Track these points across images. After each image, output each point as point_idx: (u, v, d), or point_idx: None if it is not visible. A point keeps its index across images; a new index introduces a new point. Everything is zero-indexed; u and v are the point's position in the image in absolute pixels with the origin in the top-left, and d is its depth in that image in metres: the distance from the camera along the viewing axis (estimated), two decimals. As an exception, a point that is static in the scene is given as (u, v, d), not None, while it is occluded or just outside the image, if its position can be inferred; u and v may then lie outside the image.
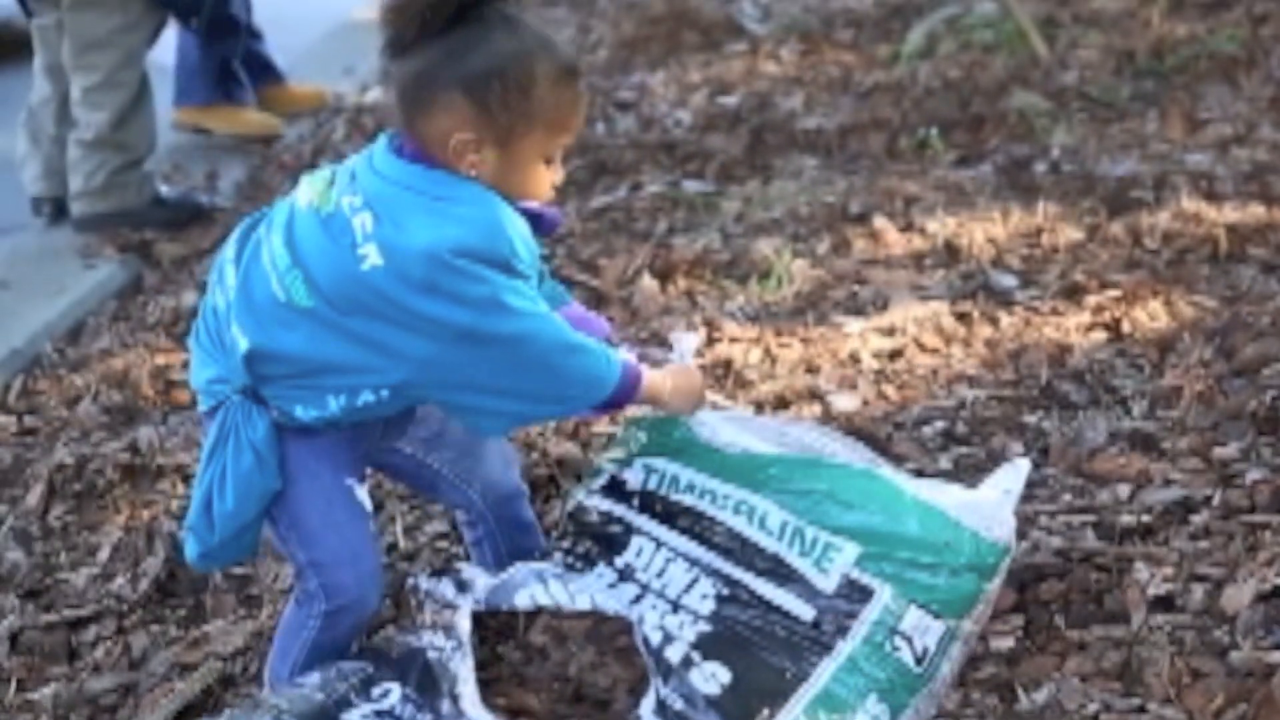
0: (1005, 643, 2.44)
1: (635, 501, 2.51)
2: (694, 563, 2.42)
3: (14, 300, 4.33)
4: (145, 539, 3.00)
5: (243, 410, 2.26)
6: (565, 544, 2.53)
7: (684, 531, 2.45)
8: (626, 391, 2.29)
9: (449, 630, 2.30)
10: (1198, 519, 2.67)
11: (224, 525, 2.29)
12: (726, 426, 2.55)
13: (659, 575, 2.42)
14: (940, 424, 3.07)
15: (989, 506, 2.40)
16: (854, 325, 3.53)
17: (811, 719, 2.22)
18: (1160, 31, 5.38)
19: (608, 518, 2.52)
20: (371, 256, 2.14)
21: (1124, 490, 2.79)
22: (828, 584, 2.33)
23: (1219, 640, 2.38)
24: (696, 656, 2.29)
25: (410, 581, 2.37)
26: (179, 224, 4.73)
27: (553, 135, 2.22)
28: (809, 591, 2.33)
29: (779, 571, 2.36)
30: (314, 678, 2.29)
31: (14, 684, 2.68)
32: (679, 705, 2.24)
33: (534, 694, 2.41)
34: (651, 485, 2.51)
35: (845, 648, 2.28)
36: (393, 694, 2.27)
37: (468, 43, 2.17)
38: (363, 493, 2.37)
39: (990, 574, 2.37)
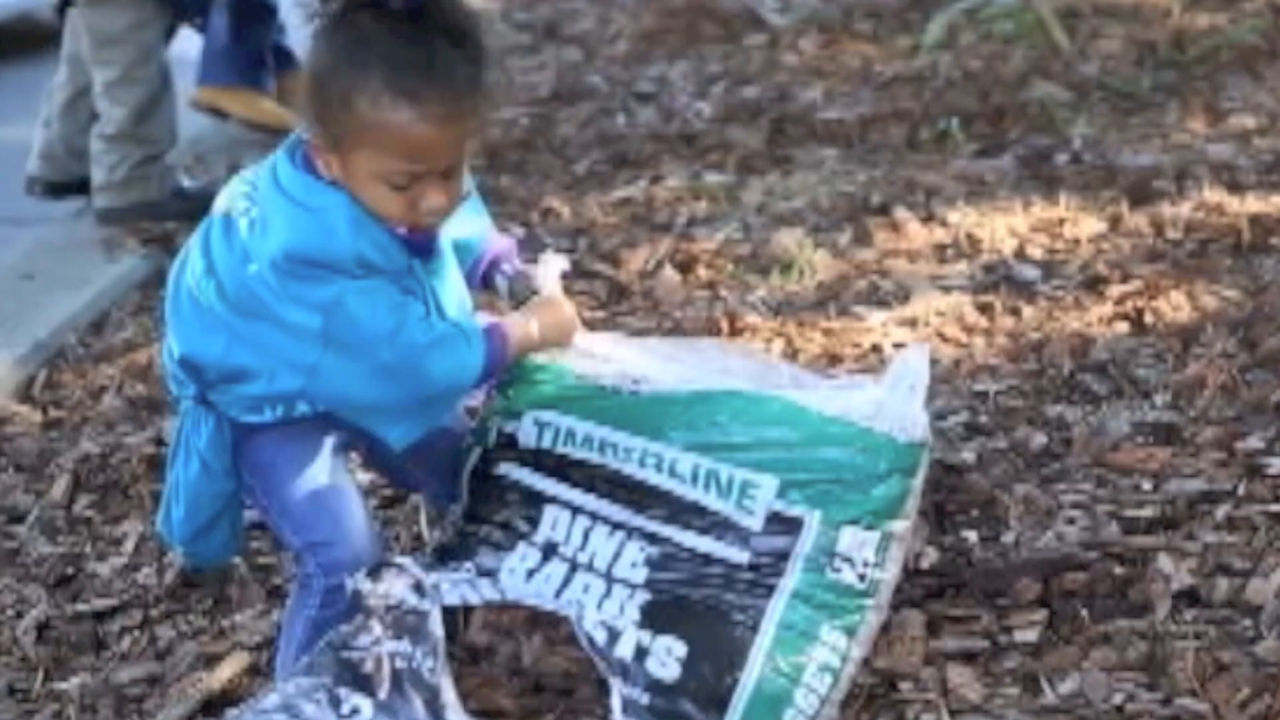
0: (1029, 634, 2.44)
1: (535, 464, 2.40)
2: (614, 526, 2.34)
3: (38, 292, 4.34)
4: (170, 530, 3.01)
5: (192, 417, 2.30)
6: (479, 527, 2.43)
7: (595, 492, 2.36)
8: (497, 358, 2.27)
9: (416, 636, 2.23)
10: (1221, 511, 2.67)
11: (180, 530, 2.34)
12: (617, 350, 2.46)
13: (583, 547, 2.35)
14: (963, 415, 3.07)
15: (897, 408, 2.30)
16: (876, 317, 3.53)
17: (773, 667, 2.20)
18: (1181, 22, 5.37)
19: (513, 488, 2.41)
20: (251, 262, 2.16)
21: (1147, 482, 2.79)
22: (754, 523, 2.27)
23: (1243, 632, 2.38)
24: (646, 639, 2.24)
25: (352, 585, 2.27)
26: (201, 216, 4.71)
27: (383, 157, 2.11)
28: (738, 534, 2.27)
29: (703, 520, 2.29)
30: (271, 699, 2.22)
31: (41, 674, 2.69)
32: (645, 699, 2.21)
33: (500, 693, 2.39)
34: (546, 443, 2.40)
35: (788, 584, 2.24)
36: (364, 710, 2.19)
37: (331, 42, 2.14)
38: (347, 470, 2.38)
39: (913, 472, 2.30)
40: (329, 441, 2.33)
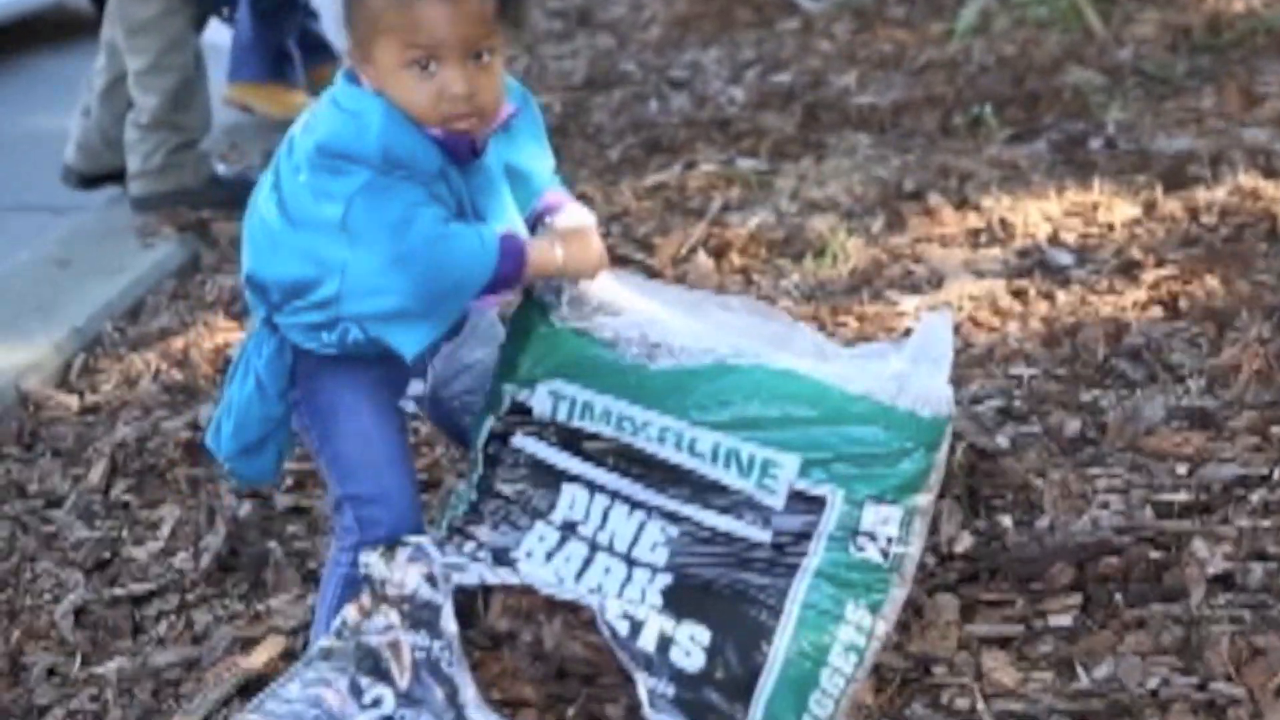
0: (1064, 619, 2.45)
1: (551, 437, 2.36)
2: (634, 504, 2.31)
3: (74, 279, 4.37)
4: (206, 515, 3.03)
5: (256, 338, 2.33)
6: (493, 502, 2.40)
7: (613, 469, 2.32)
8: (513, 263, 2.24)
9: (430, 629, 2.21)
10: (1256, 496, 2.66)
11: (227, 445, 2.36)
12: (639, 299, 2.41)
13: (602, 526, 2.32)
14: (997, 401, 3.07)
15: (920, 383, 2.24)
16: (909, 302, 3.53)
17: (797, 650, 2.18)
18: (1216, 6, 5.35)
19: (529, 461, 2.38)
20: (300, 171, 2.23)
21: (1182, 467, 2.78)
22: (776, 501, 2.23)
23: (1279, 617, 2.37)
24: (669, 627, 2.22)
25: (363, 568, 2.26)
26: (236, 203, 4.71)
27: (400, 38, 2.16)
28: (759, 514, 2.23)
29: (724, 499, 2.26)
30: (293, 686, 2.21)
31: (79, 658, 2.71)
32: (670, 692, 2.19)
33: (524, 682, 2.39)
34: (562, 415, 2.35)
35: (811, 563, 2.21)
36: (386, 700, 2.20)
37: None
38: (402, 430, 2.39)
39: (937, 445, 2.24)
40: (387, 396, 2.36)
